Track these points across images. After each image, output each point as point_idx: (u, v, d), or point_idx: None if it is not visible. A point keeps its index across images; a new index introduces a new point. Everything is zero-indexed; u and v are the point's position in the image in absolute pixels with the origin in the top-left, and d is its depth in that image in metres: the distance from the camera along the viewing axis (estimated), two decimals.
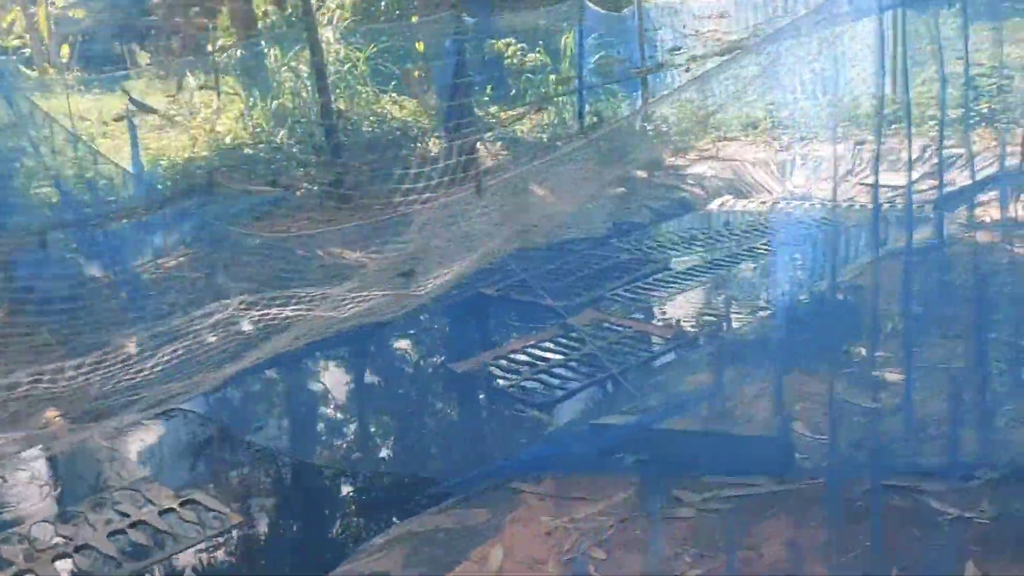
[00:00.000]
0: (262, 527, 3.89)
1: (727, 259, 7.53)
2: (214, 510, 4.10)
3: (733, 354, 5.14)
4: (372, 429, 4.94)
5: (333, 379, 5.69)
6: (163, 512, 4.09)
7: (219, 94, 10.09)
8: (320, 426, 4.96)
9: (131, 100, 9.24)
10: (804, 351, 4.89)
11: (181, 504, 4.15)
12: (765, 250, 7.70)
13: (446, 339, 6.34)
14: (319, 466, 4.46)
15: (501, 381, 5.34)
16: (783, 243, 7.84)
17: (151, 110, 9.67)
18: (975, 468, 3.20)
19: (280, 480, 4.33)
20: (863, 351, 4.76)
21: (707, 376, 4.86)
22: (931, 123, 10.38)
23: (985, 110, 10.10)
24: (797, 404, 4.24)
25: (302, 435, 4.86)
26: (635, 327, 6.19)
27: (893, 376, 4.41)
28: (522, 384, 5.31)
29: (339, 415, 5.12)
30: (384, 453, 4.59)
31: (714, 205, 9.68)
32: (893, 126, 10.67)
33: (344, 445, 4.68)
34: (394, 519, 3.95)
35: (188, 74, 12.85)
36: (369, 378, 5.81)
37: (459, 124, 11.47)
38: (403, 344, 6.29)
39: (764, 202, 9.52)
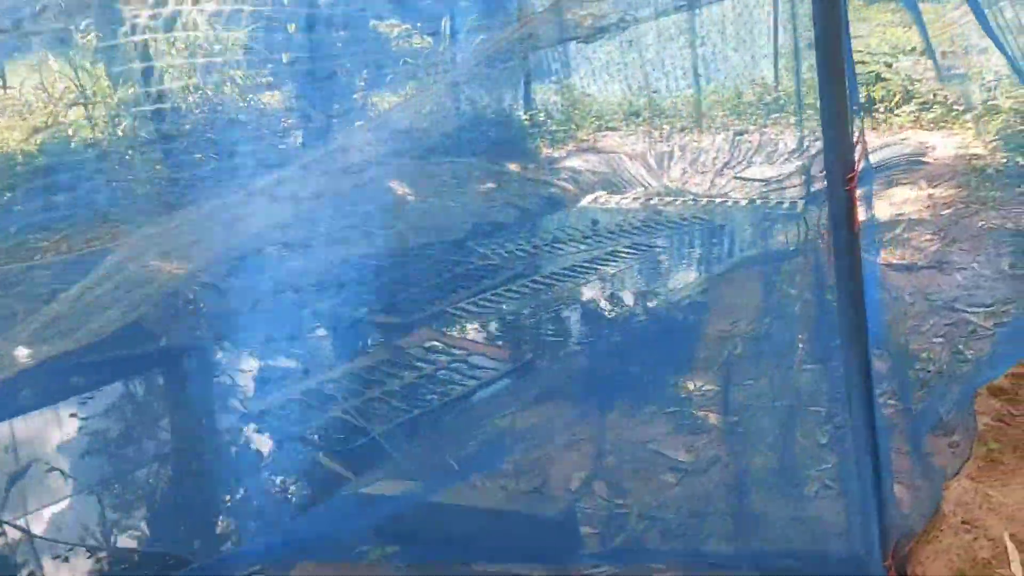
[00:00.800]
0: None
1: (587, 265, 6.99)
2: None
3: (556, 388, 4.60)
4: (130, 491, 4.23)
5: (92, 422, 4.93)
6: None
7: (4, 85, 9.08)
8: (59, 491, 4.21)
9: None
10: (630, 384, 4.38)
11: None
12: (629, 254, 7.20)
13: (248, 369, 5.63)
14: (52, 542, 3.74)
15: (302, 421, 4.69)
16: (647, 246, 7.35)
17: None
18: (774, 556, 2.70)
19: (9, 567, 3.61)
20: (691, 385, 4.26)
21: (524, 416, 4.30)
22: (810, 112, 10.07)
23: (863, 98, 9.81)
24: (607, 457, 3.72)
25: (36, 503, 4.10)
26: (470, 349, 5.61)
27: (717, 419, 3.93)
28: (326, 424, 4.68)
29: (91, 472, 4.38)
30: (135, 525, 3.90)
31: (586, 202, 9.16)
32: (772, 115, 10.35)
33: (91, 514, 3.97)
34: None
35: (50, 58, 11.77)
36: (136, 419, 5.06)
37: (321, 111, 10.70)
38: (190, 376, 5.56)
39: (637, 198, 9.04)
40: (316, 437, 4.53)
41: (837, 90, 2.28)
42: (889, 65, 9.92)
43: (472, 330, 5.95)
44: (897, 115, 9.37)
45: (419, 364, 5.37)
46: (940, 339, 4.24)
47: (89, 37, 12.52)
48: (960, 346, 4.11)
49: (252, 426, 4.74)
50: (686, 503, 3.18)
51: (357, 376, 5.26)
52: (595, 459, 3.68)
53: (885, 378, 3.93)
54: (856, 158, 2.34)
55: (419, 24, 13.57)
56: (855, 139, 2.36)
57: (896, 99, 9.58)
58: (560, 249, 7.57)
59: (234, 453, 4.49)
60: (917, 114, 9.29)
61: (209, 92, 12.40)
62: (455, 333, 5.95)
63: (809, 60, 12.16)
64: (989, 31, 3.88)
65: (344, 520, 3.20)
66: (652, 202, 8.83)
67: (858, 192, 2.46)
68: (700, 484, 3.33)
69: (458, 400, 4.79)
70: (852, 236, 2.34)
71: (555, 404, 4.32)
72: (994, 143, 7.58)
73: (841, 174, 2.28)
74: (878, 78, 9.87)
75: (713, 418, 3.92)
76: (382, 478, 3.58)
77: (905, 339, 4.22)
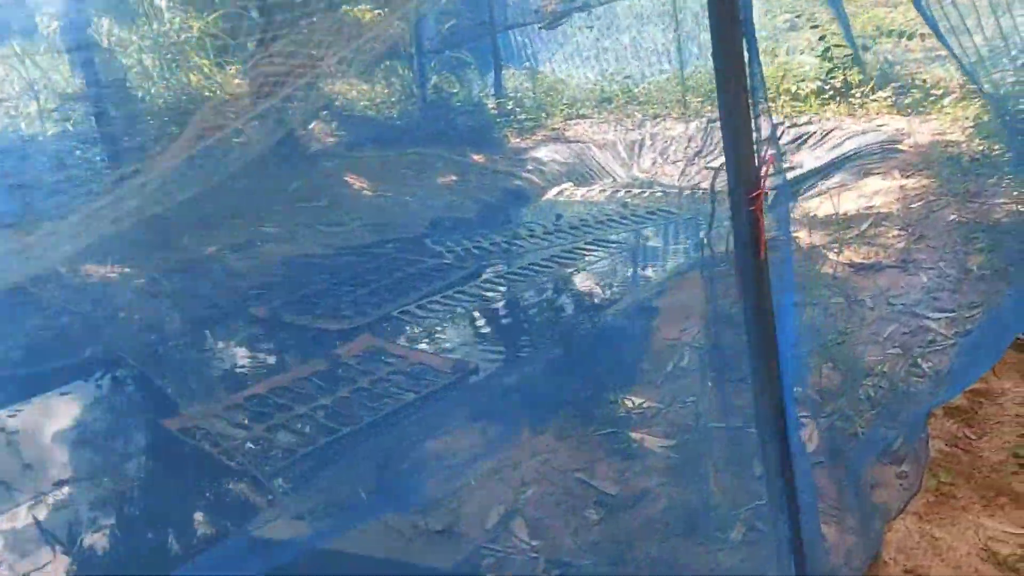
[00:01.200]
0: None
1: (543, 264, 6.67)
2: None
3: (490, 404, 4.30)
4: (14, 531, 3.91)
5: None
6: None
7: None
8: None
9: None
10: (568, 401, 4.07)
11: None
12: (589, 251, 6.88)
13: (175, 381, 5.30)
14: None
15: (219, 442, 4.39)
16: (609, 242, 7.03)
17: None
18: None
19: None
20: (631, 402, 3.96)
21: (450, 439, 4.00)
22: (785, 98, 9.74)
23: (839, 83, 9.48)
24: (531, 488, 3.42)
25: None
26: (412, 358, 5.30)
27: (653, 442, 3.63)
28: (246, 445, 4.37)
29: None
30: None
31: (551, 194, 8.83)
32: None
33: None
34: None
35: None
36: (34, 444, 4.73)
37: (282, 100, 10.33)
38: (104, 392, 5.22)
39: (604, 190, 8.71)
40: (233, 461, 4.22)
41: (736, 93, 1.96)
42: (867, 48, 9.57)
43: (417, 337, 5.65)
44: (874, 100, 9.03)
45: (355, 376, 5.07)
46: (897, 349, 3.93)
47: (53, 27, 12.19)
48: (918, 358, 3.81)
49: (169, 448, 4.45)
50: (604, 546, 2.88)
51: (288, 390, 4.95)
52: (517, 490, 3.38)
53: (834, 395, 3.64)
54: (763, 172, 2.02)
55: (386, 8, 13.13)
56: (764, 150, 2.04)
57: (872, 83, 9.24)
58: (519, 246, 7.25)
59: (147, 476, 4.19)
60: (894, 98, 8.96)
61: (174, 81, 12.07)
62: (400, 340, 5.66)
63: (787, 43, 11.83)
64: (926, 16, 3.56)
65: (228, 568, 2.90)
66: (619, 194, 8.50)
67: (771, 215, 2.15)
68: (623, 522, 3.03)
69: (390, 416, 4.49)
70: (759, 265, 2.02)
71: (485, 423, 4.01)
72: (970, 130, 7.26)
73: (745, 193, 1.96)
74: (855, 61, 9.52)
75: (649, 441, 3.62)
76: (279, 516, 3.29)
77: (854, 352, 3.92)
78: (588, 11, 9.98)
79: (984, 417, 3.37)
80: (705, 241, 2.20)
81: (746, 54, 2.01)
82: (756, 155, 2.01)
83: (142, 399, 5.16)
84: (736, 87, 1.95)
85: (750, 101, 1.98)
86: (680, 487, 3.18)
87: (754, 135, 2.00)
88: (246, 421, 4.62)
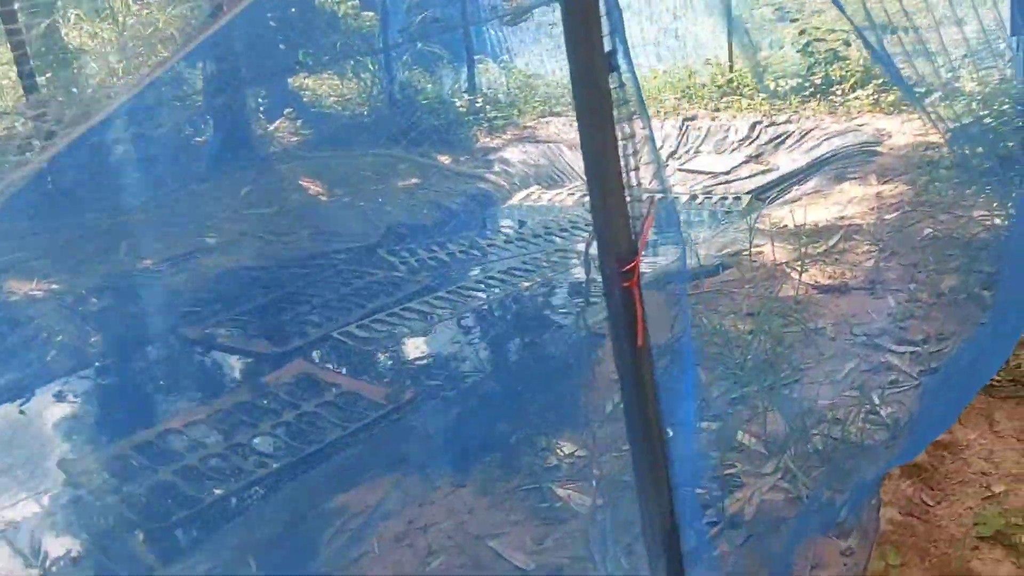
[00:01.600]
0: None
1: (499, 277, 6.28)
2: None
3: (414, 448, 3.92)
4: None
5: None
6: None
7: None
8: None
9: None
10: (495, 447, 3.70)
11: None
12: (548, 263, 6.49)
13: (91, 414, 4.91)
14: None
15: (118, 489, 4.01)
16: (571, 252, 6.64)
17: None
18: None
19: None
20: (562, 451, 3.58)
21: (364, 491, 3.62)
22: (763, 96, 9.33)
23: (819, 80, 9.08)
24: (438, 556, 3.05)
25: None
26: (345, 386, 4.92)
27: (580, 500, 3.25)
28: (142, 495, 3.99)
29: None
30: None
31: (517, 199, 8.43)
32: (725, 99, 9.60)
33: None
34: None
35: None
36: None
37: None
38: (9, 429, 4.83)
39: (572, 193, 8.31)
40: (130, 508, 3.84)
41: (600, 126, 1.56)
42: (848, 43, 9.15)
43: (354, 361, 5.27)
44: (855, 98, 8.63)
45: (281, 408, 4.69)
46: (855, 392, 3.55)
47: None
48: (877, 404, 3.43)
49: (65, 497, 4.07)
50: None
51: (206, 424, 4.58)
52: (423, 561, 3.01)
53: (779, 447, 3.26)
54: (641, 233, 1.63)
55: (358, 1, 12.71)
56: (646, 207, 1.66)
57: (852, 81, 8.84)
58: (476, 256, 6.86)
59: (24, 533, 3.81)
60: (876, 96, 8.56)
61: (139, 77, 11.58)
62: (335, 365, 5.30)
63: (770, 36, 11.40)
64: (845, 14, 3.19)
65: None
66: (587, 198, 8.09)
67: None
68: None
69: (307, 459, 4.12)
70: (638, 352, 1.63)
71: (402, 473, 3.63)
72: (951, 132, 6.85)
73: (617, 265, 1.57)
74: (836, 57, 9.11)
75: (576, 500, 3.24)
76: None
77: (806, 392, 3.54)
78: (554, 5, 9.54)
79: (945, 475, 3.00)
80: (581, 320, 1.81)
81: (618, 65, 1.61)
82: (631, 215, 1.62)
83: (53, 436, 4.78)
84: (598, 117, 1.54)
85: (620, 138, 1.58)
86: (600, 562, 2.81)
87: (627, 188, 1.61)
88: (153, 463, 4.24)
